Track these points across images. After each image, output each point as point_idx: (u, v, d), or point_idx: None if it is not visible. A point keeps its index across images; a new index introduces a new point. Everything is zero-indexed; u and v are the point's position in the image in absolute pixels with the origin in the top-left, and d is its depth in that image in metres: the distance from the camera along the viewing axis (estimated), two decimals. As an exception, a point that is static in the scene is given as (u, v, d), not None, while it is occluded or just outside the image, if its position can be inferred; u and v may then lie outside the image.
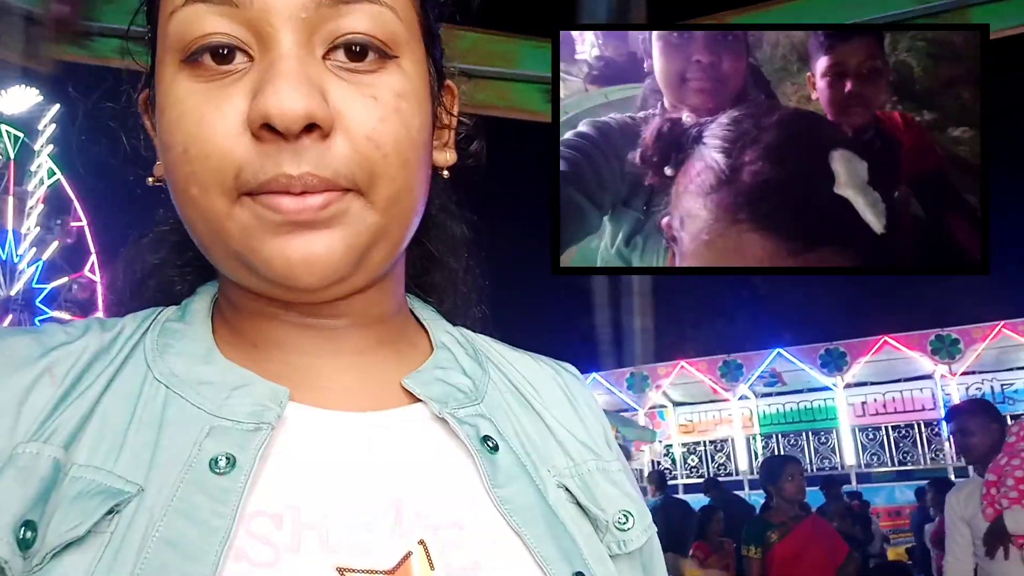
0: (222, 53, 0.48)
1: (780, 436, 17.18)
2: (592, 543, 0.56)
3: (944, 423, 15.28)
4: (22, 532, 0.42)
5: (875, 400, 16.81)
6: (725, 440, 17.22)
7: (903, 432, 16.03)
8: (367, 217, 0.49)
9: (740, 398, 16.91)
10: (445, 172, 0.62)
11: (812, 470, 15.24)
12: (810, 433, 16.65)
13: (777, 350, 16.52)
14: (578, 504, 0.58)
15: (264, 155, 0.47)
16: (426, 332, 0.64)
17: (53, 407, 0.48)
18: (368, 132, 0.48)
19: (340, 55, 0.49)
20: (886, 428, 16.15)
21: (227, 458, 0.47)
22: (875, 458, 16.03)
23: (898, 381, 16.52)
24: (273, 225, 0.47)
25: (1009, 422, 3.67)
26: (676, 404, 17.51)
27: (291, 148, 0.46)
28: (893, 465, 15.76)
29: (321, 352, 0.56)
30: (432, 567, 0.48)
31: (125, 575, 0.42)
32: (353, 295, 0.54)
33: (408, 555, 0.48)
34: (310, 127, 0.46)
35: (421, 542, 0.49)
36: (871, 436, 16.20)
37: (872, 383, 16.59)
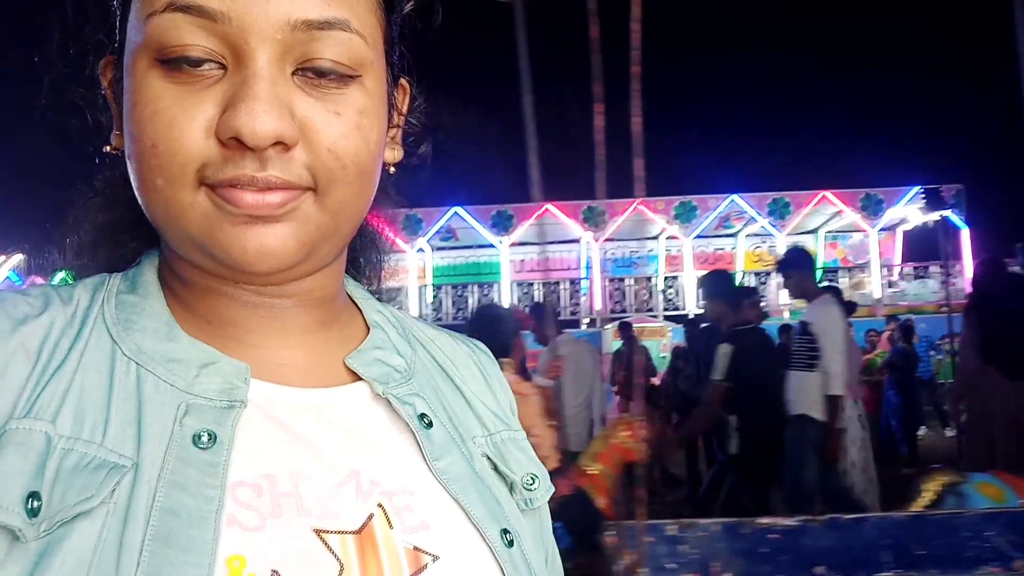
0: (196, 62, 0.50)
1: (450, 287, 18.65)
2: (509, 502, 0.65)
3: (583, 280, 17.87)
4: (29, 503, 0.46)
5: (532, 259, 19.01)
6: (399, 289, 18.14)
7: (551, 288, 18.42)
8: (317, 217, 0.53)
9: (418, 251, 17.87)
10: (392, 168, 0.65)
11: (474, 318, 16.83)
12: (476, 286, 18.32)
13: (454, 209, 17.60)
14: (496, 470, 0.66)
15: (229, 159, 0.50)
16: (360, 311, 0.69)
17: (35, 383, 0.50)
18: (330, 145, 0.52)
19: (307, 72, 0.52)
20: (538, 283, 18.41)
21: (208, 435, 0.52)
22: (526, 308, 18.23)
23: (553, 243, 18.80)
24: (231, 216, 0.51)
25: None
26: (358, 253, 17.94)
27: (256, 156, 0.50)
28: (540, 315, 18.06)
29: (269, 330, 0.60)
30: (391, 526, 0.55)
31: (138, 540, 0.46)
32: (300, 278, 0.58)
33: (371, 516, 0.55)
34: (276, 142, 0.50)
35: (380, 505, 0.56)
36: (525, 290, 18.35)
37: (532, 243, 18.64)
